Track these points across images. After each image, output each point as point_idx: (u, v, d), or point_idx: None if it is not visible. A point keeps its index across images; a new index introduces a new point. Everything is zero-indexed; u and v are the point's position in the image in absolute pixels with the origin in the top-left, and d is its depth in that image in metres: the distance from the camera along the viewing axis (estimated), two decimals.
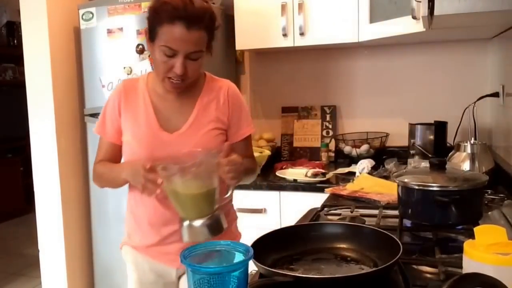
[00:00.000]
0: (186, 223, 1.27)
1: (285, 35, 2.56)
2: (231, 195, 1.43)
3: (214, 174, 1.28)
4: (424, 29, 1.85)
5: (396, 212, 1.46)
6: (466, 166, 1.98)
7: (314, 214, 1.54)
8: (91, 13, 2.57)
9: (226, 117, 1.51)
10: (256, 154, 2.52)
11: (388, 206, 1.63)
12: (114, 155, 1.51)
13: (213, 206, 1.29)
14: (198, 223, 1.26)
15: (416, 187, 1.32)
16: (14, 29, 5.76)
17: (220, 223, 1.29)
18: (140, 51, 2.46)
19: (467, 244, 0.89)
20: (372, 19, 2.38)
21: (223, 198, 1.35)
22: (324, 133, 2.88)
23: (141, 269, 1.54)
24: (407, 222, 1.41)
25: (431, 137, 2.37)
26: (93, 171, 1.53)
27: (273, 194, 2.38)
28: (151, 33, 1.38)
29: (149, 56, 2.44)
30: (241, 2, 2.64)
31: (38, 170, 2.73)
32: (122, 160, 1.52)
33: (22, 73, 3.22)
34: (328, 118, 2.89)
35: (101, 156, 1.52)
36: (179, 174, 1.22)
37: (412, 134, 2.44)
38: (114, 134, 1.49)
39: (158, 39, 1.35)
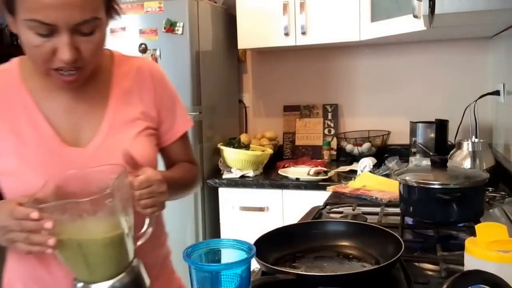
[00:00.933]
0: (78, 285, 0.85)
1: (287, 34, 2.56)
2: (150, 230, 0.94)
3: (130, 206, 0.88)
4: (425, 28, 1.86)
5: (397, 210, 1.46)
6: (467, 164, 1.98)
7: (316, 212, 1.55)
8: None
9: (155, 110, 1.09)
10: (258, 152, 2.54)
11: (390, 204, 1.64)
12: None
13: (129, 255, 0.89)
14: (105, 285, 0.84)
15: (418, 185, 1.32)
16: None
17: (140, 282, 0.89)
18: (143, 50, 2.47)
19: (469, 242, 0.89)
20: (373, 18, 2.38)
21: (137, 236, 0.92)
22: (326, 131, 2.89)
23: None
24: (409, 220, 1.41)
25: (432, 135, 2.37)
26: None
27: (276, 193, 2.39)
28: (7, 1, 0.88)
29: (151, 55, 2.45)
30: (243, 2, 2.64)
31: None
32: None
33: None
34: (330, 116, 2.89)
35: None
36: (87, 211, 0.79)
37: (413, 132, 2.44)
38: None
39: (19, 8, 0.86)
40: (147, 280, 0.91)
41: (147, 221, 0.93)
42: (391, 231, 1.10)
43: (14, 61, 1.01)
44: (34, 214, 0.79)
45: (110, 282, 0.84)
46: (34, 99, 0.98)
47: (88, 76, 0.98)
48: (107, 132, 1.01)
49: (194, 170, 1.20)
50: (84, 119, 1.01)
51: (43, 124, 0.97)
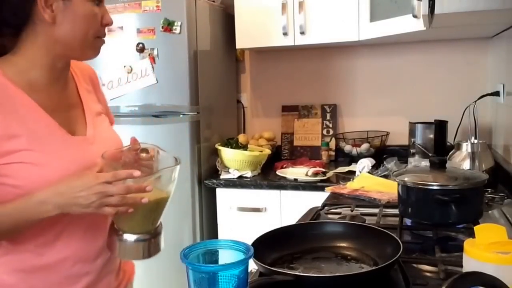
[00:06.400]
0: (123, 236, 1.03)
1: (285, 34, 2.56)
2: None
3: (171, 179, 1.05)
4: (425, 28, 1.85)
5: (396, 211, 1.46)
6: (466, 165, 1.98)
7: (314, 213, 1.54)
8: None
9: (104, 107, 1.25)
10: (256, 153, 2.53)
11: (388, 205, 1.63)
12: None
13: (159, 220, 1.09)
14: (140, 238, 1.03)
15: (416, 186, 1.32)
16: None
17: (158, 242, 1.07)
18: (141, 49, 2.46)
19: (467, 243, 0.89)
20: (373, 18, 2.38)
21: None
22: (325, 132, 2.88)
23: None
24: (407, 221, 1.41)
25: (432, 136, 2.36)
26: None
27: (274, 193, 2.38)
28: None
29: (149, 55, 2.45)
30: (241, 1, 2.64)
31: None
32: None
33: None
34: (328, 117, 2.89)
35: None
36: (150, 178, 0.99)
37: (412, 133, 2.44)
38: None
39: None
40: (162, 244, 1.08)
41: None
42: (389, 232, 1.09)
43: None
44: (137, 173, 0.96)
45: (140, 236, 1.03)
46: (29, 96, 1.02)
47: (65, 75, 1.12)
48: (93, 123, 1.13)
49: None
50: (69, 112, 1.10)
51: (46, 118, 1.03)
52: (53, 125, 1.03)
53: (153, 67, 2.46)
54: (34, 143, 0.99)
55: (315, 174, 2.37)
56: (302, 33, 2.54)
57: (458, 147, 2.06)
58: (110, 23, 1.08)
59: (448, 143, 2.40)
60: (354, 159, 2.66)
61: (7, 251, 1.02)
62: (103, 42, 1.10)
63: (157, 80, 2.46)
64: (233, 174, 2.49)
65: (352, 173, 2.42)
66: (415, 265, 1.11)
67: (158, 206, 1.04)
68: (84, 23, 1.04)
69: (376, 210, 1.56)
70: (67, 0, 1.01)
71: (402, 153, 2.61)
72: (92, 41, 1.07)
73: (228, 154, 2.50)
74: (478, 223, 1.21)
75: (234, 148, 2.53)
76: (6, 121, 0.97)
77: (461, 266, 0.91)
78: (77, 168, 1.01)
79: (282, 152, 2.94)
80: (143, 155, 1.08)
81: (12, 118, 0.98)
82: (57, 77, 1.08)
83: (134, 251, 1.05)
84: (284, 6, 2.54)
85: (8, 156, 0.97)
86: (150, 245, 1.04)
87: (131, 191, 0.96)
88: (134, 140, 1.07)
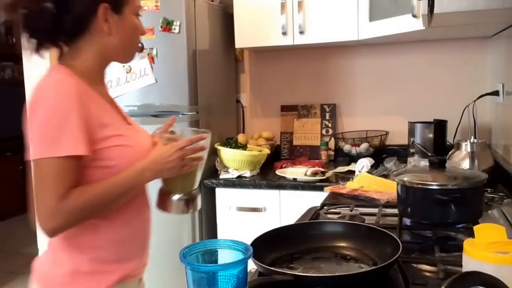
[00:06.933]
0: (176, 196, 1.32)
1: (284, 33, 2.55)
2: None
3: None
4: (424, 27, 1.85)
5: (395, 211, 1.46)
6: (465, 164, 1.98)
7: (313, 213, 1.54)
8: None
9: None
10: (255, 153, 2.53)
11: (388, 204, 1.63)
12: (77, 177, 1.14)
13: (197, 184, 1.38)
14: (184, 197, 1.32)
15: (416, 186, 1.31)
16: (12, 27, 5.74)
17: (196, 201, 1.36)
18: (140, 49, 2.45)
19: (467, 243, 0.89)
20: (372, 18, 2.37)
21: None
22: (324, 131, 2.88)
23: None
24: (407, 221, 1.41)
25: (431, 135, 2.36)
26: (69, 210, 1.10)
27: (273, 193, 2.38)
28: (119, 1, 1.22)
29: (148, 54, 2.44)
30: (240, 0, 2.63)
31: None
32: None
33: (20, 72, 3.21)
34: (327, 116, 2.89)
35: (66, 185, 1.10)
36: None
37: (411, 133, 2.44)
38: (89, 148, 1.14)
39: (129, 1, 1.24)
40: (199, 203, 1.36)
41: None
42: (389, 232, 1.09)
43: (63, 71, 1.17)
44: (205, 135, 1.30)
45: (184, 196, 1.32)
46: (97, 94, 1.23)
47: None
48: (129, 116, 1.36)
49: None
50: (115, 105, 1.33)
51: (113, 110, 1.26)
52: (119, 116, 1.27)
53: (152, 67, 2.45)
54: (119, 130, 1.21)
55: (314, 173, 2.37)
56: (301, 32, 2.54)
57: (457, 146, 2.06)
58: (145, 33, 1.32)
59: (447, 143, 2.40)
60: (353, 158, 2.66)
61: (103, 225, 1.20)
62: (139, 48, 1.33)
63: (156, 79, 2.45)
64: (232, 174, 2.49)
65: (352, 172, 2.42)
66: (414, 265, 1.11)
67: (194, 171, 1.32)
68: (131, 33, 1.27)
69: (375, 210, 1.56)
70: (120, 15, 1.22)
71: (401, 153, 2.61)
72: (134, 48, 1.31)
73: (227, 154, 2.50)
74: (478, 223, 1.21)
75: (233, 147, 2.53)
76: (98, 112, 1.16)
77: (461, 266, 0.91)
78: (149, 146, 1.27)
79: (281, 152, 2.94)
80: (168, 135, 1.34)
81: (100, 110, 1.18)
82: (103, 77, 1.31)
83: (181, 207, 1.32)
84: (283, 6, 2.54)
85: (105, 141, 1.16)
86: (190, 203, 1.33)
87: (196, 150, 1.27)
88: (173, 119, 1.39)
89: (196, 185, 1.36)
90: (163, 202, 1.33)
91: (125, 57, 1.32)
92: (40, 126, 1.10)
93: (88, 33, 1.21)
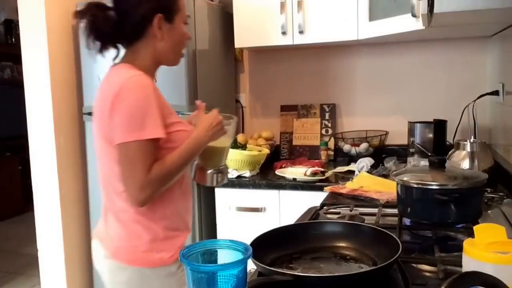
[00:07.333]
0: (209, 171, 1.57)
1: (284, 33, 2.55)
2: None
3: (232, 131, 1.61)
4: (424, 27, 1.85)
5: (395, 211, 1.46)
6: (465, 164, 1.97)
7: (313, 213, 1.54)
8: None
9: None
10: (255, 153, 2.53)
11: (388, 204, 1.63)
12: (156, 155, 1.36)
13: (225, 161, 1.62)
14: (216, 171, 1.57)
15: (416, 186, 1.31)
16: (12, 27, 5.75)
17: (225, 175, 1.61)
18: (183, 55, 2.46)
19: (467, 243, 0.88)
20: (372, 17, 2.37)
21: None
22: (324, 131, 2.88)
23: None
24: (407, 221, 1.41)
25: (431, 135, 2.36)
26: (155, 180, 1.33)
27: (273, 193, 2.38)
28: (172, 12, 1.41)
29: None
30: (240, 0, 2.63)
31: (37, 169, 2.72)
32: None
33: (20, 72, 3.21)
34: (327, 116, 2.89)
35: (150, 162, 1.32)
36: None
37: (411, 133, 2.44)
38: (165, 131, 1.36)
39: (180, 11, 1.44)
40: (226, 179, 1.62)
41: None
42: (388, 232, 1.09)
43: (135, 68, 1.38)
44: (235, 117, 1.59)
45: (216, 170, 1.57)
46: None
47: None
48: None
49: None
50: None
51: (169, 106, 1.44)
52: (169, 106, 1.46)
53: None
54: (177, 118, 1.44)
55: (314, 173, 2.37)
56: (301, 32, 2.54)
57: (457, 146, 2.06)
58: (190, 38, 1.50)
59: (447, 143, 2.40)
60: (353, 158, 2.66)
61: (168, 200, 1.43)
62: (183, 54, 1.51)
63: (155, 79, 2.45)
64: (232, 174, 2.48)
65: (351, 172, 2.42)
66: (414, 265, 1.11)
67: (223, 149, 1.58)
68: (180, 40, 1.46)
69: (375, 210, 1.56)
70: (171, 23, 1.42)
71: (401, 153, 2.61)
72: (181, 53, 1.49)
73: None
74: (478, 223, 1.20)
75: (233, 147, 2.52)
76: (164, 103, 1.39)
77: (461, 266, 0.91)
78: (193, 129, 1.46)
79: (281, 152, 2.94)
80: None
81: (164, 101, 1.40)
82: (154, 77, 1.47)
83: (214, 179, 1.57)
84: (283, 5, 2.54)
85: (171, 127, 1.38)
86: (220, 176, 1.58)
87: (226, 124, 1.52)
88: (203, 105, 1.58)
89: (224, 162, 1.60)
90: (200, 176, 1.59)
91: (174, 60, 1.49)
92: (127, 114, 1.29)
93: (144, 38, 1.40)
